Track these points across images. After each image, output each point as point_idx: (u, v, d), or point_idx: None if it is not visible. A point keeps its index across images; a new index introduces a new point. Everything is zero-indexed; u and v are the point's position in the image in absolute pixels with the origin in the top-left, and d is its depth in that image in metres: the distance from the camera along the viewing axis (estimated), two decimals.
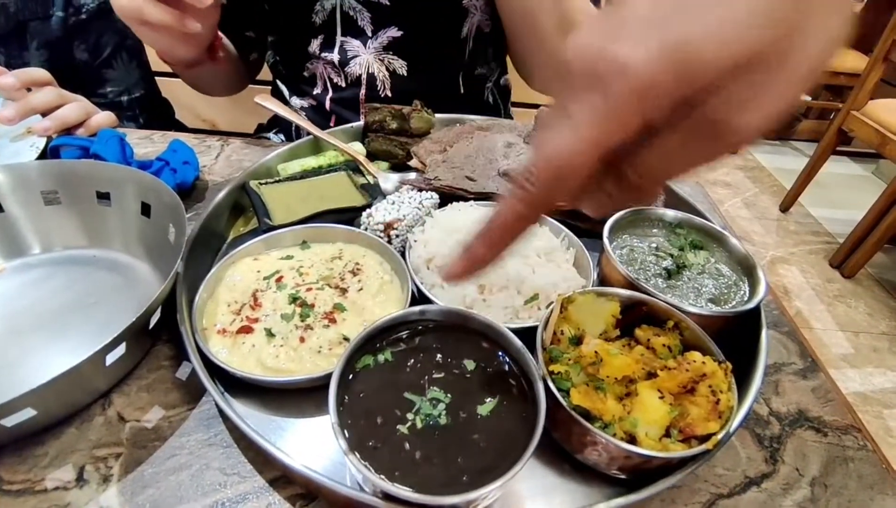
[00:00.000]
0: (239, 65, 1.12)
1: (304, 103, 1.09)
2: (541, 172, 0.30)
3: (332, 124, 1.06)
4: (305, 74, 1.06)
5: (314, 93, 1.07)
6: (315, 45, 1.00)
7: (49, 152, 0.79)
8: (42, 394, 0.42)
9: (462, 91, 1.10)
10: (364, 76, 1.01)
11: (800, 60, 0.26)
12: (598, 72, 0.27)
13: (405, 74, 1.01)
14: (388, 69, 1.01)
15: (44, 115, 0.82)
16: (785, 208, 3.09)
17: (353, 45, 0.99)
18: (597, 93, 0.27)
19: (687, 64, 0.25)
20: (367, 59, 1.00)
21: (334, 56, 1.00)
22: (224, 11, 0.97)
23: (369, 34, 0.98)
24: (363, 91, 1.03)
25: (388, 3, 0.95)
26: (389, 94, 1.02)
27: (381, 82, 1.02)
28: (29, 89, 0.82)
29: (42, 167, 0.68)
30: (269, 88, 1.23)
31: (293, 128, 1.15)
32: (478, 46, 1.08)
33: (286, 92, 1.13)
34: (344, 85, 1.03)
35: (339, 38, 0.99)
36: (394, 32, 0.98)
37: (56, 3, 1.04)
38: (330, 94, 1.05)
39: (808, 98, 3.74)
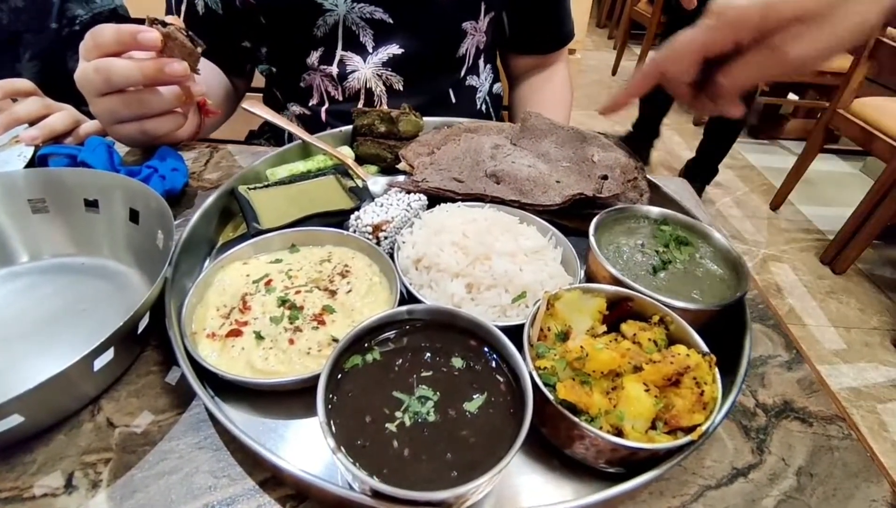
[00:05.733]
0: (227, 105, 1.11)
1: (300, 112, 1.10)
2: (664, 49, 0.58)
3: None
4: (302, 84, 1.06)
5: (310, 104, 1.08)
6: (314, 58, 1.00)
7: (37, 161, 0.79)
8: (29, 400, 0.42)
9: (454, 101, 1.12)
10: (362, 91, 1.02)
11: (837, 23, 0.49)
12: (720, 9, 0.53)
13: (401, 90, 1.02)
14: (385, 84, 1.02)
15: (31, 124, 0.82)
16: (775, 206, 3.12)
17: (353, 59, 0.99)
18: (713, 18, 0.54)
19: (768, 11, 0.50)
20: (365, 74, 1.00)
21: (333, 70, 1.00)
22: (220, 24, 0.99)
23: (370, 50, 0.99)
24: (360, 105, 1.04)
25: (391, 21, 0.95)
26: (385, 108, 1.03)
27: (377, 97, 1.03)
28: (15, 100, 0.82)
29: (29, 175, 0.68)
30: (260, 94, 1.23)
31: (285, 135, 1.15)
32: (473, 62, 1.11)
33: (281, 99, 1.13)
34: (341, 98, 1.04)
35: (339, 53, 0.99)
36: (394, 49, 0.99)
37: (50, 15, 1.04)
38: (326, 105, 1.06)
39: (796, 98, 3.79)
